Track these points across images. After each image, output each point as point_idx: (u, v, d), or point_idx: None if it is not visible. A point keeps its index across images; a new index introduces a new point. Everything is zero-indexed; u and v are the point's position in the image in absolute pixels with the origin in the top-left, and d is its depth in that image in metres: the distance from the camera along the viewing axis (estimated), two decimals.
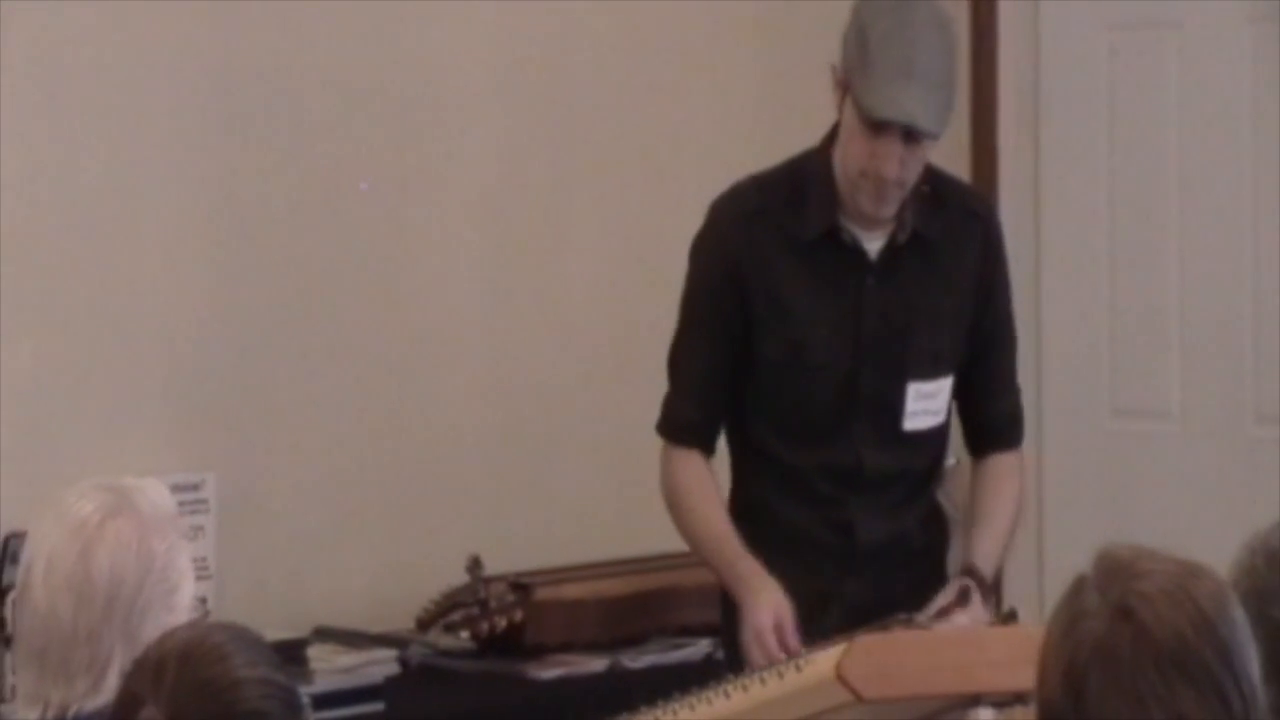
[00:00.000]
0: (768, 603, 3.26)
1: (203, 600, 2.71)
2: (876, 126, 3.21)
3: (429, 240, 4.51)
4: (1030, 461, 4.30)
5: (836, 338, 3.35)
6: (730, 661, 3.33)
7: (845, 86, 3.25)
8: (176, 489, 3.51)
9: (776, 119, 4.70)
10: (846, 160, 3.28)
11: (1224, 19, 4.72)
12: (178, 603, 2.58)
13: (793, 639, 3.23)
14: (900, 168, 3.24)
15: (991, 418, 3.48)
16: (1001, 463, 3.46)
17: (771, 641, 3.22)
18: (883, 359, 3.35)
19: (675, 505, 3.42)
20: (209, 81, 4.22)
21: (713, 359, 3.39)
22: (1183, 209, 4.79)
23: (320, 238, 4.36)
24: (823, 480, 3.38)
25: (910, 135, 3.22)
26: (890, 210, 3.30)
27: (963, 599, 3.25)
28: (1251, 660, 2.01)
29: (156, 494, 2.67)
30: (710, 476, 3.41)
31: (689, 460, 3.40)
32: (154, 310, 4.15)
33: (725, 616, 3.49)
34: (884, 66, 3.18)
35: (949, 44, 3.27)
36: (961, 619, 3.22)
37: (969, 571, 3.31)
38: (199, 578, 2.68)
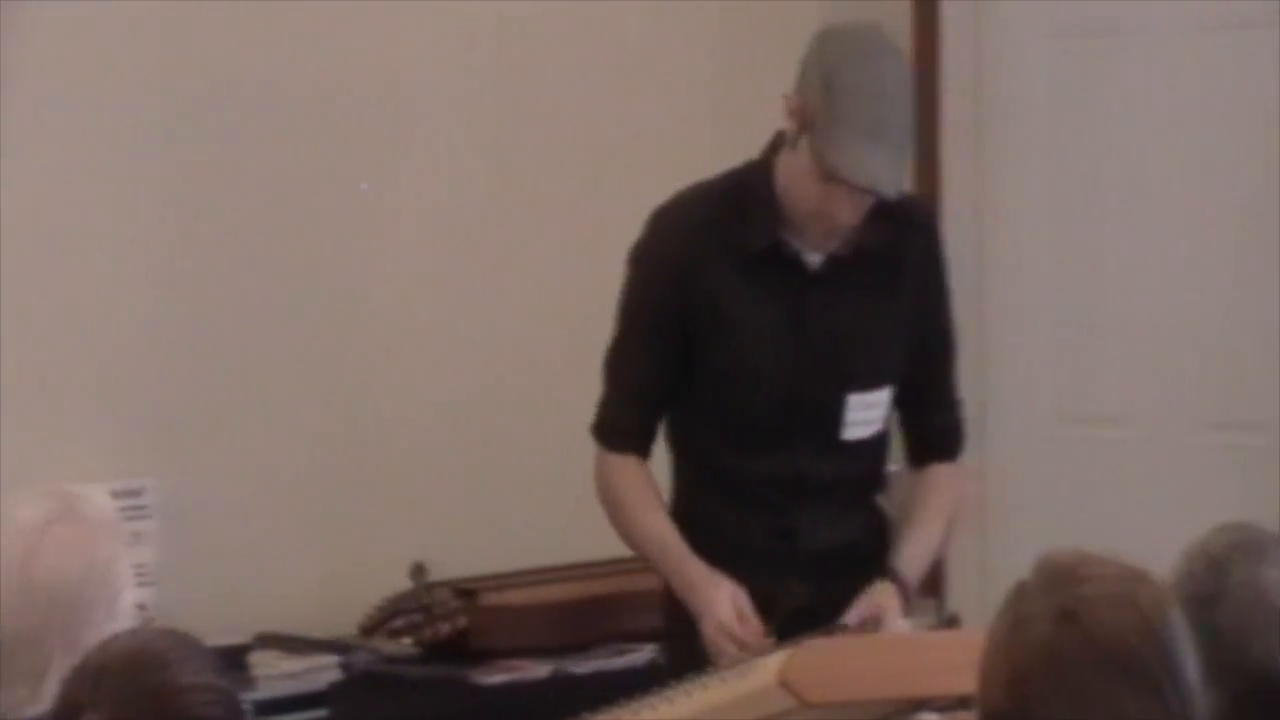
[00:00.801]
0: (725, 596, 3.26)
1: (143, 607, 2.70)
2: (834, 178, 3.20)
3: (374, 245, 4.50)
4: (976, 467, 4.32)
5: (778, 349, 3.35)
6: (673, 667, 3.32)
7: (804, 125, 3.22)
8: (117, 495, 3.50)
9: (730, 123, 4.70)
10: (798, 197, 3.26)
11: (1165, 26, 4.74)
12: (119, 609, 2.57)
13: (756, 623, 3.24)
14: (853, 215, 3.25)
15: (931, 430, 3.48)
16: (937, 473, 3.46)
17: (740, 631, 3.22)
18: (824, 371, 3.36)
19: (617, 510, 3.41)
20: (156, 87, 4.20)
21: (652, 367, 3.38)
22: (1126, 215, 4.81)
23: (263, 242, 4.35)
24: (765, 488, 3.38)
25: (861, 189, 3.22)
26: (835, 246, 3.31)
27: (881, 606, 3.26)
28: (1192, 664, 2.02)
29: (98, 500, 2.66)
30: (650, 480, 3.41)
31: (626, 465, 3.40)
32: (94, 316, 4.13)
33: (668, 622, 3.49)
34: (851, 123, 3.14)
35: (911, 99, 3.23)
36: (884, 599, 3.22)
37: (890, 575, 3.32)
38: (140, 584, 2.68)
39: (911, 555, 3.36)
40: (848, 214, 3.24)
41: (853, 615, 3.25)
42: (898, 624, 3.24)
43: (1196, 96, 4.70)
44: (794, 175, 3.27)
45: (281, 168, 4.36)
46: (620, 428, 3.41)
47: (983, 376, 4.88)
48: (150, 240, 4.23)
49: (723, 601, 3.25)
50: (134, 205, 4.20)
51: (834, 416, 3.36)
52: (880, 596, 3.27)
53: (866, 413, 3.38)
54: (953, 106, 4.97)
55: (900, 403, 3.44)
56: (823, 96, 3.17)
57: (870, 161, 3.16)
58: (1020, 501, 4.90)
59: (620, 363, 3.42)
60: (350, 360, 4.45)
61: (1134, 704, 1.97)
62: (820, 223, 3.26)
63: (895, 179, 3.20)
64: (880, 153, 3.16)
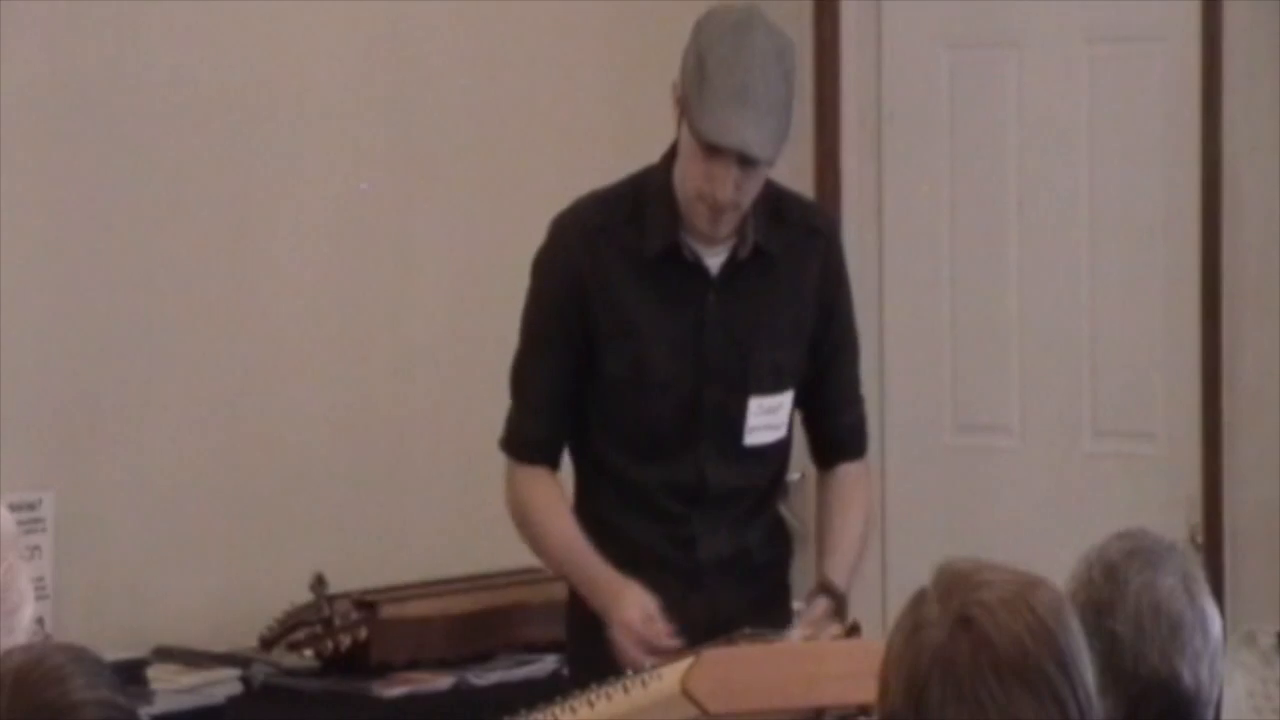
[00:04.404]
0: (633, 601, 3.26)
1: (40, 621, 2.67)
2: (711, 150, 3.23)
3: (273, 255, 4.47)
4: (874, 475, 4.33)
5: (679, 354, 3.36)
6: (576, 677, 3.32)
7: (683, 107, 3.27)
8: (13, 508, 3.46)
9: (626, 130, 4.72)
10: (683, 181, 3.30)
11: (1061, 39, 4.79)
12: (17, 624, 2.54)
13: (664, 627, 3.23)
14: (735, 191, 3.26)
15: (837, 430, 3.50)
16: (849, 473, 3.48)
17: (647, 633, 3.22)
18: (725, 375, 3.37)
19: (525, 521, 3.41)
20: (50, 93, 4.16)
21: (557, 375, 3.39)
22: (1022, 226, 4.86)
23: (162, 251, 4.31)
24: (665, 496, 3.38)
25: (745, 160, 3.24)
26: (725, 230, 3.33)
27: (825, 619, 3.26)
28: (1088, 669, 2.03)
29: None
30: (559, 490, 3.41)
31: (536, 477, 3.40)
32: None
33: (571, 632, 3.49)
34: (720, 92, 3.20)
35: (785, 72, 3.28)
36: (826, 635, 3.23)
37: (826, 588, 3.32)
38: (36, 598, 2.65)
39: (840, 564, 3.37)
40: (727, 189, 3.25)
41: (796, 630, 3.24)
42: (829, 633, 3.24)
43: (1090, 110, 4.75)
44: (681, 161, 3.30)
45: (176, 178, 4.33)
46: (528, 439, 3.41)
47: (881, 386, 4.91)
48: (47, 250, 4.18)
49: (630, 605, 3.25)
50: (29, 215, 4.16)
51: (736, 421, 3.37)
52: (817, 615, 3.27)
53: (768, 417, 3.39)
54: (853, 116, 5.01)
55: (805, 404, 3.46)
56: (696, 72, 3.23)
57: (739, 125, 3.20)
58: (918, 510, 4.93)
59: (525, 374, 3.42)
60: (248, 372, 4.43)
61: (1030, 708, 1.98)
62: (705, 204, 3.27)
63: (763, 142, 3.23)
64: (747, 117, 3.20)
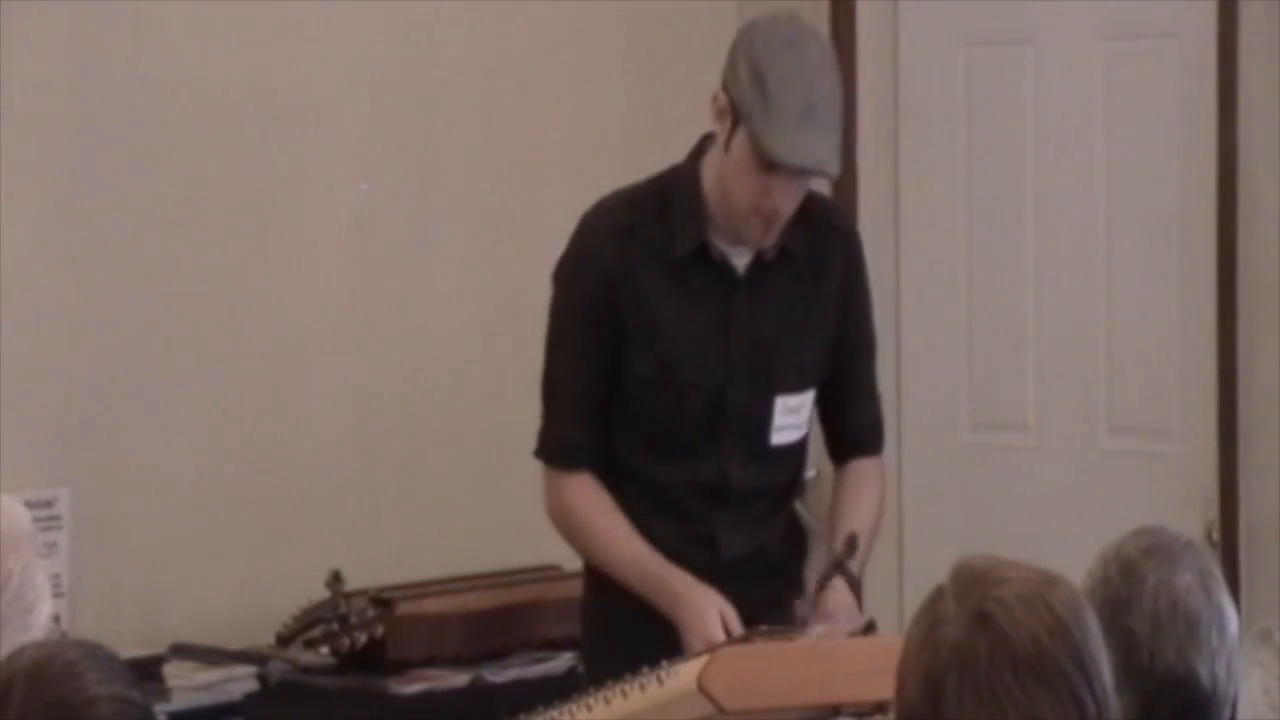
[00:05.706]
0: (714, 611, 3.24)
1: (56, 618, 2.68)
2: (774, 165, 3.22)
3: (291, 253, 4.48)
4: (890, 473, 4.32)
5: (706, 355, 3.36)
6: (592, 675, 3.32)
7: (736, 121, 3.25)
8: (29, 505, 3.47)
9: (645, 126, 4.72)
10: (735, 194, 3.28)
11: (1077, 35, 4.79)
12: (34, 621, 2.55)
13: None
14: (793, 202, 3.27)
15: (854, 427, 3.51)
16: (863, 466, 3.49)
17: None
18: (751, 375, 3.37)
19: (580, 530, 3.37)
20: (68, 87, 4.17)
21: (592, 377, 3.36)
22: (1038, 223, 4.85)
23: (179, 249, 4.32)
24: (687, 495, 3.38)
25: (802, 171, 3.25)
26: (774, 238, 3.33)
27: (831, 574, 3.25)
28: (1105, 666, 2.03)
29: (13, 511, 2.64)
30: (608, 495, 3.36)
31: (584, 483, 3.36)
32: (5, 323, 4.09)
33: (587, 629, 3.49)
34: (786, 110, 3.19)
35: (839, 81, 3.29)
36: (840, 596, 3.22)
37: (836, 565, 3.32)
38: (52, 595, 2.65)
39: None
40: (789, 202, 3.26)
41: (819, 627, 3.22)
42: (855, 621, 3.23)
43: (1106, 107, 4.75)
44: (730, 174, 3.28)
45: (194, 176, 4.34)
46: (570, 444, 3.38)
47: (898, 383, 4.91)
48: (65, 247, 4.19)
49: (713, 618, 3.23)
50: (47, 213, 4.17)
51: (762, 421, 3.37)
52: (837, 597, 3.27)
53: (792, 416, 3.40)
54: (869, 114, 5.00)
55: (823, 400, 3.47)
56: (755, 89, 3.21)
57: (811, 145, 3.21)
58: (934, 508, 4.93)
59: (558, 380, 3.39)
60: (264, 368, 4.43)
61: (1047, 705, 1.98)
62: (761, 216, 3.27)
63: (833, 159, 3.25)
64: (815, 134, 3.21)
